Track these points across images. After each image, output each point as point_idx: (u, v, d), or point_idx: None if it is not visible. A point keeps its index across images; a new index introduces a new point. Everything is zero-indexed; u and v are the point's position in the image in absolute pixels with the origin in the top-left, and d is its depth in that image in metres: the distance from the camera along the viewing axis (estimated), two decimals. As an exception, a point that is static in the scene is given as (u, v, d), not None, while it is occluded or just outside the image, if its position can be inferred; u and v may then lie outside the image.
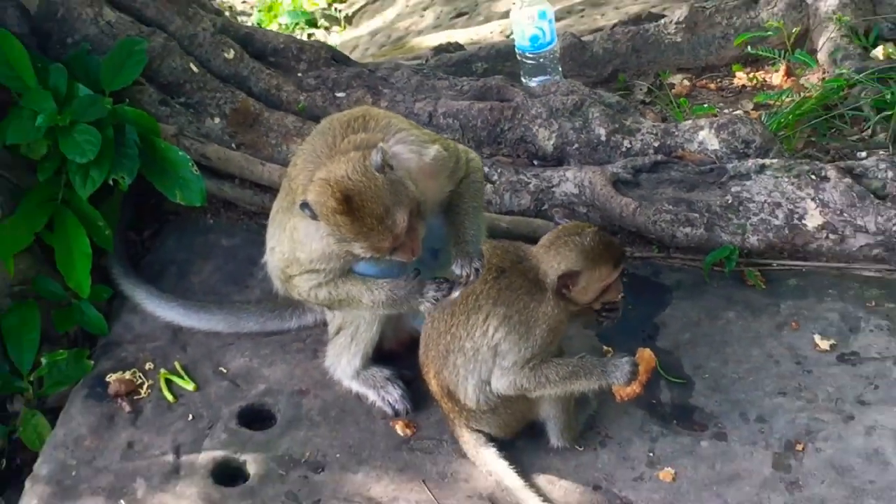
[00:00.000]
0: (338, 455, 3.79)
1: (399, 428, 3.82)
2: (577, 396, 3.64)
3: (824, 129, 4.70)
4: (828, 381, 3.80)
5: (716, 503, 3.48)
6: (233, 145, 4.61)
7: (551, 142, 4.59)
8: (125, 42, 4.55)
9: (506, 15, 5.79)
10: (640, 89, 5.20)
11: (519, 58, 5.10)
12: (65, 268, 4.19)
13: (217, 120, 4.58)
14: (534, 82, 5.05)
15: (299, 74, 4.96)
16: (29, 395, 4.10)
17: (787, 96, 4.83)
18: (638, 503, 3.52)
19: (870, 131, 4.65)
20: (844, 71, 4.78)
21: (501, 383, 3.52)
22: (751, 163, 4.30)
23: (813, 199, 4.09)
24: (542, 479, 3.62)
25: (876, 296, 4.05)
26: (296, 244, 3.69)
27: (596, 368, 3.50)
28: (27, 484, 3.82)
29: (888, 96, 4.64)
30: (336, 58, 5.21)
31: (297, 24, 9.12)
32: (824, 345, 3.91)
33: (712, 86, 5.20)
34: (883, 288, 4.08)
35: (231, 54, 4.83)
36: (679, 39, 5.28)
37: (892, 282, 4.10)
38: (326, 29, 8.99)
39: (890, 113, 4.61)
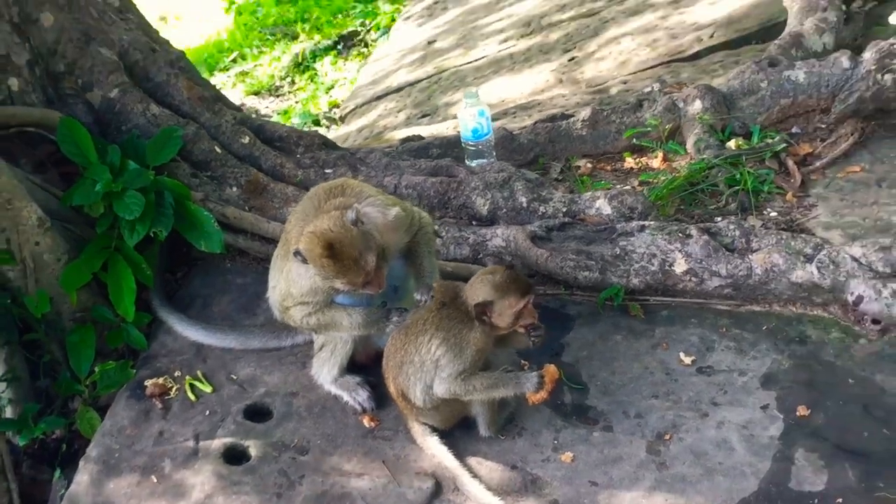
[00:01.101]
0: (319, 441, 3.73)
1: (366, 421, 3.78)
2: (499, 399, 3.57)
3: (690, 200, 4.66)
4: (689, 388, 3.75)
5: (603, 479, 3.43)
6: (246, 208, 4.55)
7: (486, 207, 4.54)
8: (166, 130, 4.50)
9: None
10: (555, 170, 5.12)
11: (463, 145, 5.05)
12: (115, 299, 4.11)
13: (235, 189, 4.54)
14: (474, 163, 5.00)
15: (298, 156, 4.91)
16: (85, 396, 4.02)
17: (663, 175, 4.80)
18: (545, 478, 3.47)
19: (723, 202, 4.60)
20: (705, 157, 4.76)
21: (440, 389, 3.47)
22: (634, 224, 4.25)
23: (680, 251, 4.06)
24: (472, 461, 3.56)
25: (726, 324, 4.01)
26: (290, 283, 3.65)
27: (511, 380, 3.47)
28: (81, 463, 3.77)
29: (737, 176, 4.65)
30: (326, 143, 5.15)
31: (305, 123, 9.09)
32: (687, 360, 3.87)
33: (608, 168, 5.12)
34: (732, 318, 4.05)
35: (246, 140, 4.77)
36: (584, 133, 5.21)
37: (739, 313, 4.06)
38: (326, 127, 8.96)
39: (738, 188, 4.61)
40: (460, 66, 8.64)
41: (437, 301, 3.52)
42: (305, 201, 3.67)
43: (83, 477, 3.68)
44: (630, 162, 5.15)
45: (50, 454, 4.00)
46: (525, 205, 4.51)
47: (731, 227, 4.19)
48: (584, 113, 5.31)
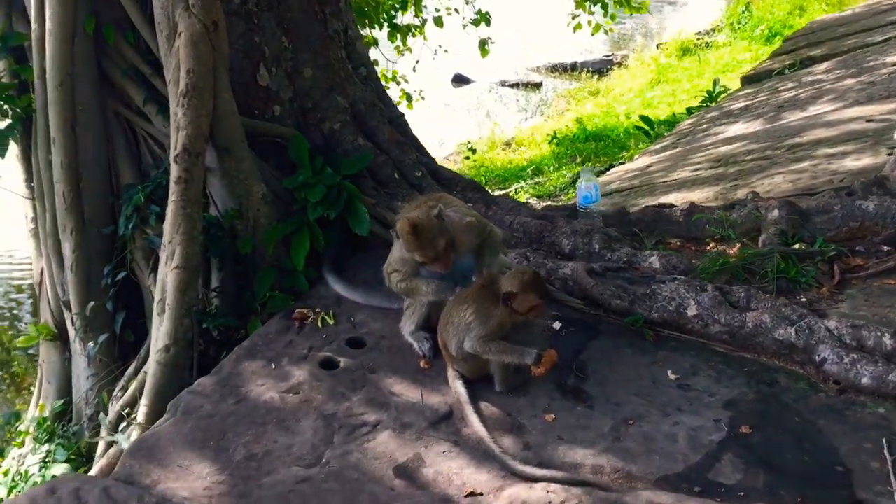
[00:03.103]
0: (385, 368, 4.18)
1: (422, 363, 4.17)
2: (514, 365, 3.89)
3: (740, 277, 4.67)
4: (665, 395, 3.89)
5: (569, 437, 3.66)
6: (406, 218, 5.14)
7: (568, 247, 4.87)
8: (361, 154, 5.20)
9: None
10: (650, 241, 5.22)
11: (578, 209, 5.41)
12: (293, 254, 4.79)
13: (400, 203, 5.02)
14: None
15: (454, 191, 5.37)
16: (258, 312, 4.69)
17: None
18: (527, 427, 3.74)
19: (766, 283, 4.58)
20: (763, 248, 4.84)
21: (467, 345, 3.85)
22: (669, 276, 4.48)
23: (693, 300, 4.22)
24: (482, 404, 3.87)
25: (717, 360, 4.10)
26: (392, 254, 4.28)
27: (518, 351, 3.81)
28: (235, 349, 4.41)
29: (782, 266, 4.66)
30: (478, 188, 5.67)
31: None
32: (672, 376, 3.99)
33: (692, 248, 5.18)
34: (723, 357, 4.14)
35: (419, 173, 5.36)
36: (681, 219, 5.35)
37: (730, 356, 4.14)
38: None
39: (780, 275, 4.61)
40: (657, 181, 8.96)
41: (481, 283, 3.97)
42: (412, 203, 4.22)
43: (231, 356, 4.34)
44: (711, 246, 5.18)
45: (232, 343, 4.64)
46: (597, 251, 4.80)
47: (741, 290, 4.29)
48: (684, 205, 5.48)
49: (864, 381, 3.75)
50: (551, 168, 13.13)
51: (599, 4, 11.71)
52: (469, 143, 14.30)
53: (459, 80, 22.63)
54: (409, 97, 12.12)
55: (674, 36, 22.76)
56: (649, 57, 21.09)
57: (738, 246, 5.12)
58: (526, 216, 5.16)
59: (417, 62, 12.76)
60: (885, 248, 5.05)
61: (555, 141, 14.61)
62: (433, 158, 5.79)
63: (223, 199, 4.84)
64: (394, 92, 11.94)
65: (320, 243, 4.90)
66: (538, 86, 21.93)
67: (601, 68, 22.18)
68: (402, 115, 5.86)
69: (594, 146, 13.73)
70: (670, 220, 5.44)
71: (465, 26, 11.42)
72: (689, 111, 13.86)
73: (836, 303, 4.58)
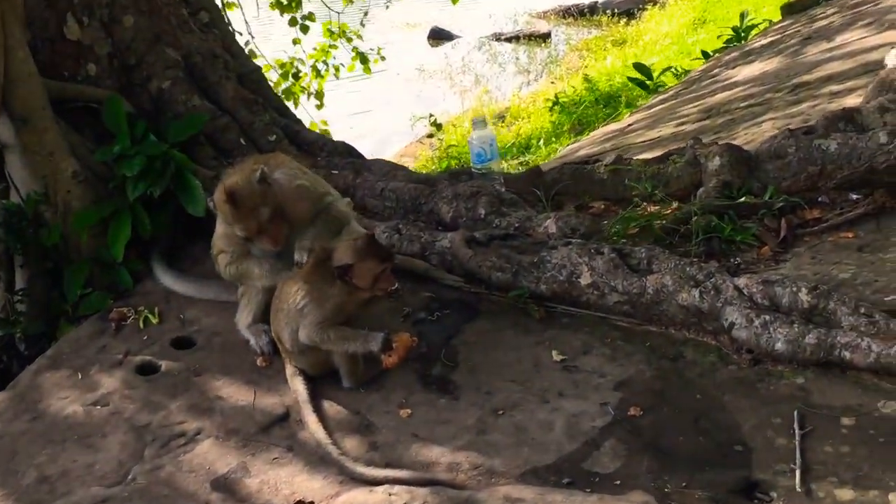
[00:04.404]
0: (214, 369, 4.62)
1: (259, 361, 4.61)
2: (362, 355, 4.31)
3: (661, 240, 5.18)
4: (546, 379, 4.33)
5: (425, 433, 4.08)
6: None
7: (449, 215, 5.32)
8: (192, 116, 5.61)
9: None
10: (569, 207, 5.70)
11: (473, 169, 5.84)
12: (111, 242, 5.18)
13: None
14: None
15: (318, 158, 5.82)
16: (69, 314, 5.10)
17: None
18: (377, 425, 4.16)
19: (693, 245, 5.09)
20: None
21: (302, 334, 4.25)
22: (564, 241, 4.89)
23: (587, 265, 4.62)
24: (325, 402, 4.31)
25: (615, 336, 4.54)
26: (217, 231, 4.70)
27: (361, 337, 4.23)
28: (38, 359, 4.85)
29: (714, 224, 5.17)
30: (350, 152, 6.09)
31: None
32: (558, 357, 4.42)
33: (618, 210, 5.62)
34: (623, 332, 4.58)
35: (273, 138, 5.78)
36: (605, 177, 5.80)
37: (633, 330, 4.58)
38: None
39: (711, 235, 5.15)
40: (632, 142, 9.42)
41: (313, 260, 4.35)
42: (237, 167, 4.65)
43: (31, 368, 4.76)
44: (643, 209, 5.58)
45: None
46: (483, 216, 5.24)
47: (642, 251, 4.73)
48: (609, 158, 5.90)
49: (778, 346, 4.21)
50: (542, 143, 13.56)
51: None
52: (431, 116, 14.54)
53: (438, 37, 22.55)
54: (363, 59, 12.26)
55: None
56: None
57: (675, 205, 5.59)
58: (401, 181, 5.60)
59: (366, 14, 12.98)
60: (854, 196, 5.53)
61: (557, 108, 14.89)
62: (297, 119, 6.25)
63: (24, 181, 5.27)
64: (344, 52, 12.17)
65: (146, 228, 5.31)
66: (545, 37, 21.93)
67: (630, 9, 22.05)
68: (258, 68, 6.32)
69: (606, 112, 13.99)
70: (592, 178, 5.88)
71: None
72: (705, 54, 14.36)
73: (778, 263, 5.06)
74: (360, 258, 4.21)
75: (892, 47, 6.67)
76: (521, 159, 13.15)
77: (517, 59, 21.16)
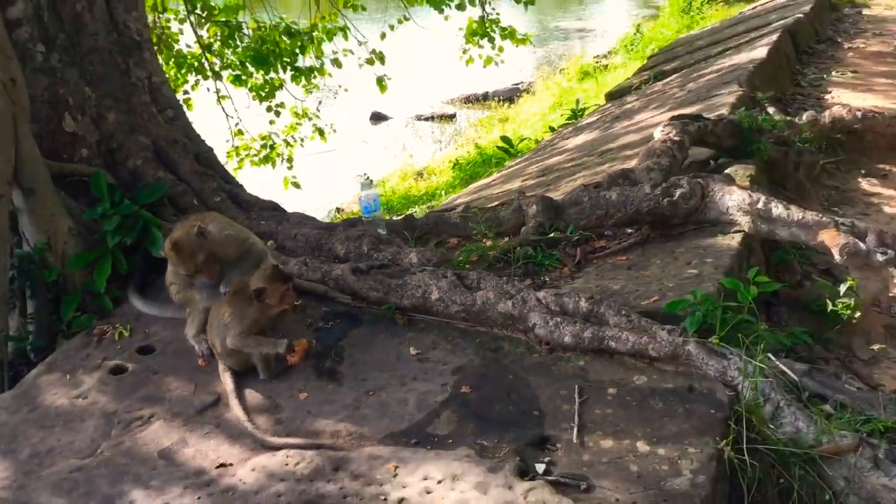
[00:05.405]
0: (167, 369, 4.57)
1: (201, 362, 4.56)
2: (273, 355, 4.36)
3: (494, 267, 5.27)
4: (405, 368, 4.35)
5: (315, 409, 4.08)
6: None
7: (342, 252, 5.33)
8: (156, 184, 5.60)
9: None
10: (431, 243, 5.75)
11: (362, 220, 5.89)
12: (96, 277, 5.15)
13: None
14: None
15: (252, 213, 5.82)
16: (65, 332, 5.05)
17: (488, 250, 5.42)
18: (281, 405, 4.16)
19: (514, 269, 5.21)
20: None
21: (229, 342, 4.28)
22: (421, 268, 4.96)
23: (435, 286, 4.69)
24: (248, 391, 4.30)
25: (455, 335, 4.59)
26: (168, 269, 4.71)
27: (271, 343, 4.27)
28: (38, 366, 4.79)
29: (530, 252, 5.32)
30: (276, 208, 6.08)
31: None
32: (414, 352, 4.46)
33: (465, 244, 5.63)
34: (462, 333, 4.62)
35: (219, 199, 5.73)
36: (458, 221, 5.87)
37: (468, 331, 4.63)
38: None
39: (529, 261, 5.29)
40: (492, 193, 9.47)
41: (233, 289, 4.39)
42: (181, 223, 4.66)
43: (34, 372, 4.70)
44: (482, 243, 5.64)
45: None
46: (366, 252, 5.27)
47: (474, 274, 4.80)
48: (461, 207, 6.02)
49: (566, 339, 4.31)
50: (444, 193, 13.71)
51: (487, 38, 12.24)
52: (365, 175, 14.74)
53: (378, 118, 22.84)
54: (321, 132, 12.82)
55: (573, 61, 23.67)
56: (553, 82, 21.93)
57: (505, 240, 5.70)
58: (309, 228, 5.62)
59: (320, 102, 13.35)
60: (629, 230, 5.71)
61: (457, 167, 15.21)
62: (239, 185, 6.26)
63: (32, 235, 5.21)
64: (307, 128, 12.83)
65: (123, 266, 5.26)
66: (452, 117, 22.37)
67: (511, 96, 22.70)
68: (211, 149, 6.29)
69: (489, 170, 14.25)
70: (448, 222, 5.96)
71: (361, 66, 11.97)
72: (551, 128, 14.63)
73: (574, 279, 5.19)
74: (269, 282, 4.28)
75: (660, 125, 6.82)
76: (430, 204, 13.27)
77: (432, 132, 21.58)
